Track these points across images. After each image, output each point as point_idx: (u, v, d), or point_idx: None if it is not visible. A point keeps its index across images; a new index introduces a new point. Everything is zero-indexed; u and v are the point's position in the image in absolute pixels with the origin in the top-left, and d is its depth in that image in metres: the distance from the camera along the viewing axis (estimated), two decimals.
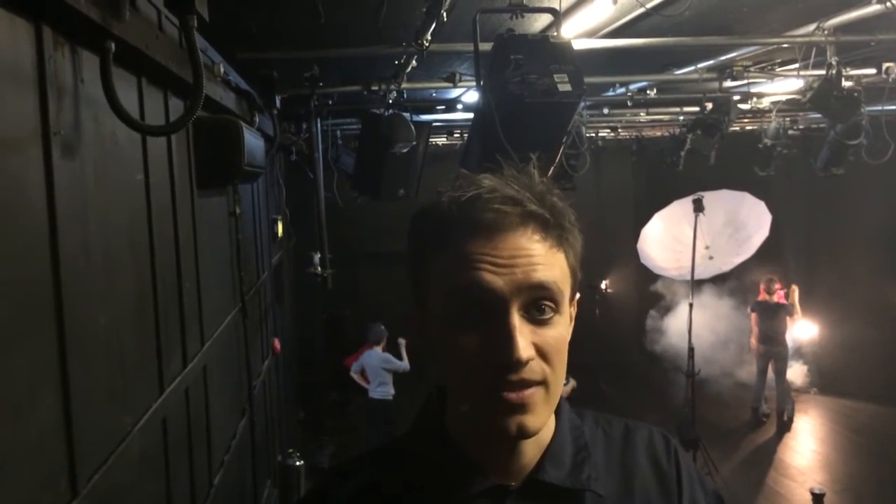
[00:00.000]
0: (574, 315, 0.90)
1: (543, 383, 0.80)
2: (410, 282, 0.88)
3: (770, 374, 7.90)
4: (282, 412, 5.59)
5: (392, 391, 6.72)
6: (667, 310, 8.61)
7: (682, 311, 6.83)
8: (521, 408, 0.79)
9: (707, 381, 7.54)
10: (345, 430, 7.63)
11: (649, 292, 9.15)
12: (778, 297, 7.91)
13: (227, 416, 3.15)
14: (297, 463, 4.68)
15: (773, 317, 7.81)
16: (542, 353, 0.80)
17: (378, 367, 6.71)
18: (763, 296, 7.98)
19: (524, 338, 0.78)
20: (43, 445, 1.27)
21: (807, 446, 7.43)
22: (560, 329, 0.82)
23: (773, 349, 7.80)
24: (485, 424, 0.81)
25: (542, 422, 0.82)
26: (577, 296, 0.89)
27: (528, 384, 0.78)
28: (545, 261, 0.80)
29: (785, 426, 7.67)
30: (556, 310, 0.82)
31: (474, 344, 0.79)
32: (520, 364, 0.77)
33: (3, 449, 1.13)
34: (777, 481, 6.54)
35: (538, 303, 0.80)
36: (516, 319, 0.78)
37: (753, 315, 7.98)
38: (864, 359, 8.34)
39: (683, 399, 6.66)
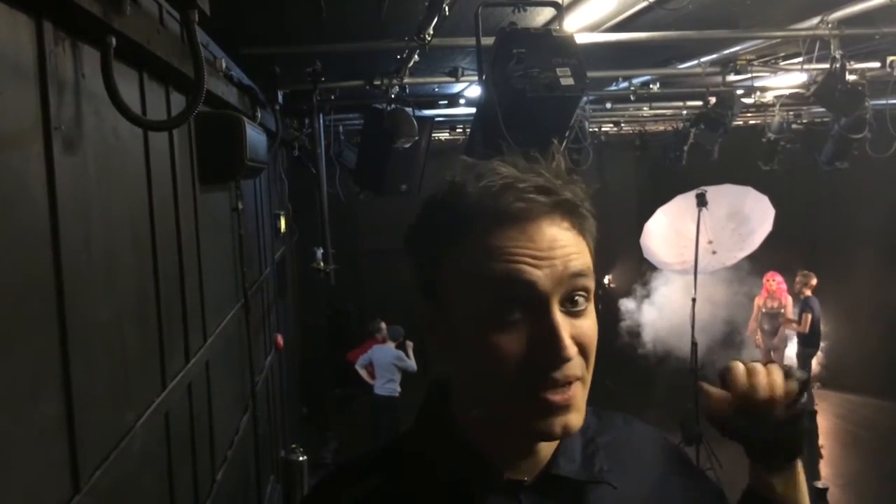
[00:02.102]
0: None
1: (582, 379, 0.77)
2: (419, 275, 0.83)
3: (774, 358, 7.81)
4: (285, 408, 5.60)
5: (399, 389, 6.72)
6: (670, 305, 8.58)
7: (685, 305, 6.79)
8: (565, 408, 0.75)
9: (710, 377, 7.51)
10: (348, 425, 7.64)
11: (652, 287, 9.13)
12: (780, 295, 7.83)
13: (229, 411, 3.15)
14: (301, 458, 4.70)
15: (820, 315, 7.60)
16: (580, 346, 0.76)
17: (389, 364, 6.70)
18: (808, 292, 7.60)
19: (566, 333, 0.74)
20: (45, 441, 1.27)
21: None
22: (593, 318, 0.79)
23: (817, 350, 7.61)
24: (521, 427, 0.77)
25: (583, 418, 0.78)
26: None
27: (570, 381, 0.75)
28: (577, 249, 0.77)
29: None
30: (588, 298, 0.78)
31: (513, 343, 0.74)
32: (565, 362, 0.73)
33: (5, 445, 1.13)
34: None
35: (573, 294, 0.76)
36: (558, 314, 0.74)
37: (807, 316, 7.51)
38: (868, 353, 8.32)
39: (686, 394, 6.65)
